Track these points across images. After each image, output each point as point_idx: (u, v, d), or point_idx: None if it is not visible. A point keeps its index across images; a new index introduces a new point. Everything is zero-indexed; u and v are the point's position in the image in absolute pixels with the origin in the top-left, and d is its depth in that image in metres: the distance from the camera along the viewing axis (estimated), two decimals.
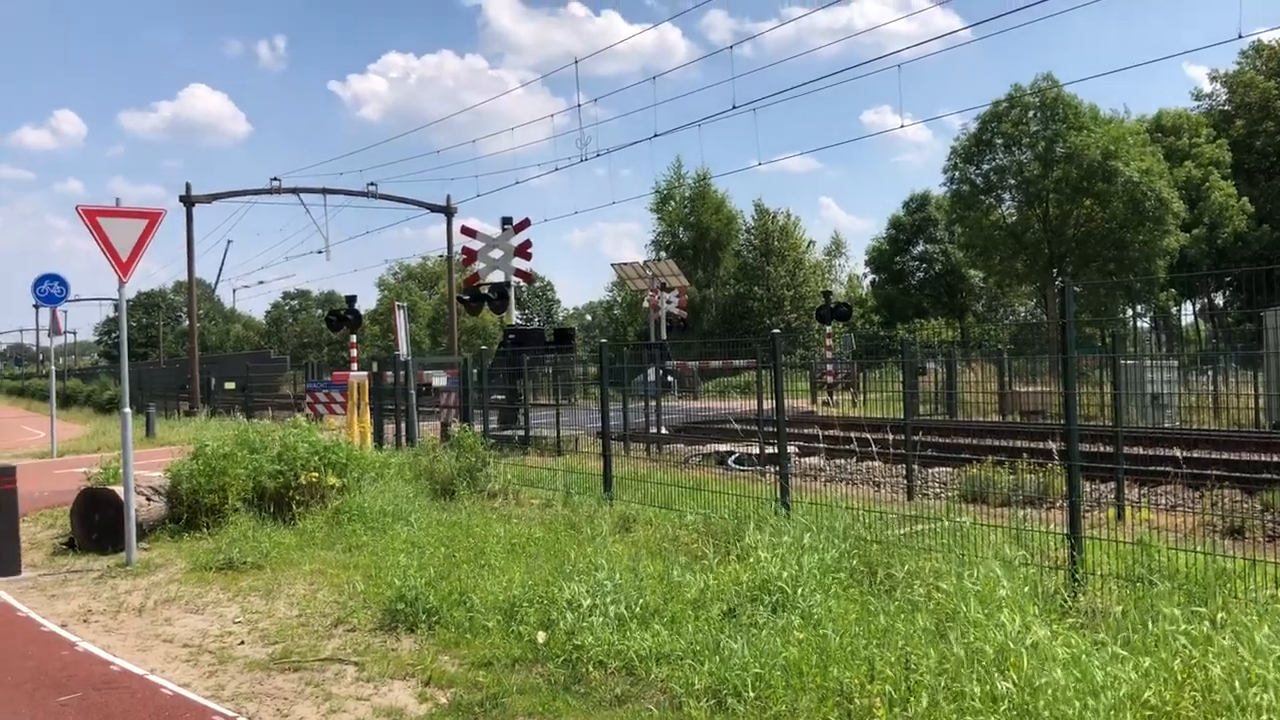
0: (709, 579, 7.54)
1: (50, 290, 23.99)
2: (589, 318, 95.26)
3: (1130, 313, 60.80)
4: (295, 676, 6.66)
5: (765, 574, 7.27)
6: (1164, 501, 11.63)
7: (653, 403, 20.76)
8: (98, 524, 11.29)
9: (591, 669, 6.18)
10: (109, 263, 10.72)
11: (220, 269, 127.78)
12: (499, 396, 20.24)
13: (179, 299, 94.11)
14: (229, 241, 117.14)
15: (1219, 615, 5.40)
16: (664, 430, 20.22)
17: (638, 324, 60.43)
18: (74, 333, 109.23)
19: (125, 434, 10.76)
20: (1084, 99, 48.92)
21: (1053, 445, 10.94)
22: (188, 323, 50.92)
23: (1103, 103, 52.20)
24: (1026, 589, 6.37)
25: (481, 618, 7.30)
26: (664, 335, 39.98)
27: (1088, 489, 11.50)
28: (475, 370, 19.51)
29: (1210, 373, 20.91)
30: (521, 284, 26.57)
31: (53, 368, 30.63)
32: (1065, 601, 6.57)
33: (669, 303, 41.52)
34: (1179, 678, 4.80)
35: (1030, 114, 49.48)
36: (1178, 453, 13.54)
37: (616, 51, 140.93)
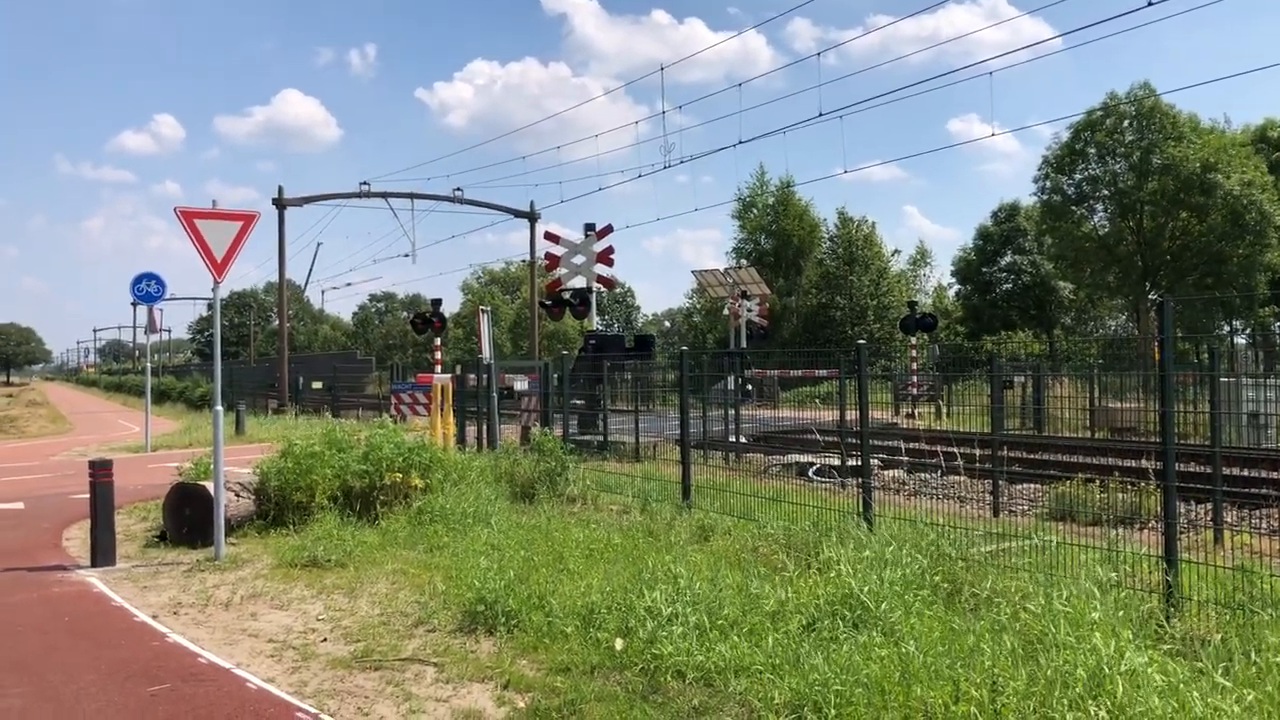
0: (789, 591, 7.45)
1: (148, 289, 24.68)
2: (668, 324, 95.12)
3: (1227, 329, 58.89)
4: (376, 675, 6.73)
5: (846, 588, 7.15)
6: (1264, 525, 11.20)
7: (731, 411, 20.63)
8: (188, 519, 11.58)
9: (669, 679, 6.14)
10: (204, 263, 10.96)
11: (310, 271, 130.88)
12: (579, 401, 20.30)
13: (270, 299, 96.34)
14: (319, 244, 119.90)
15: None
16: (743, 439, 20.07)
17: (717, 331, 60.15)
18: (169, 330, 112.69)
19: (217, 432, 10.98)
20: (1182, 109, 47.53)
21: (1145, 463, 10.59)
22: (278, 323, 52.03)
23: (1203, 113, 50.58)
24: (1120, 612, 6.16)
25: (560, 622, 7.30)
26: (744, 343, 39.68)
27: (1182, 510, 11.14)
28: (556, 375, 19.62)
29: None
30: (603, 290, 26.58)
31: (148, 364, 31.46)
32: (1160, 627, 6.34)
33: (749, 311, 41.15)
34: None
35: (1125, 123, 48.15)
36: None
37: (700, 59, 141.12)
